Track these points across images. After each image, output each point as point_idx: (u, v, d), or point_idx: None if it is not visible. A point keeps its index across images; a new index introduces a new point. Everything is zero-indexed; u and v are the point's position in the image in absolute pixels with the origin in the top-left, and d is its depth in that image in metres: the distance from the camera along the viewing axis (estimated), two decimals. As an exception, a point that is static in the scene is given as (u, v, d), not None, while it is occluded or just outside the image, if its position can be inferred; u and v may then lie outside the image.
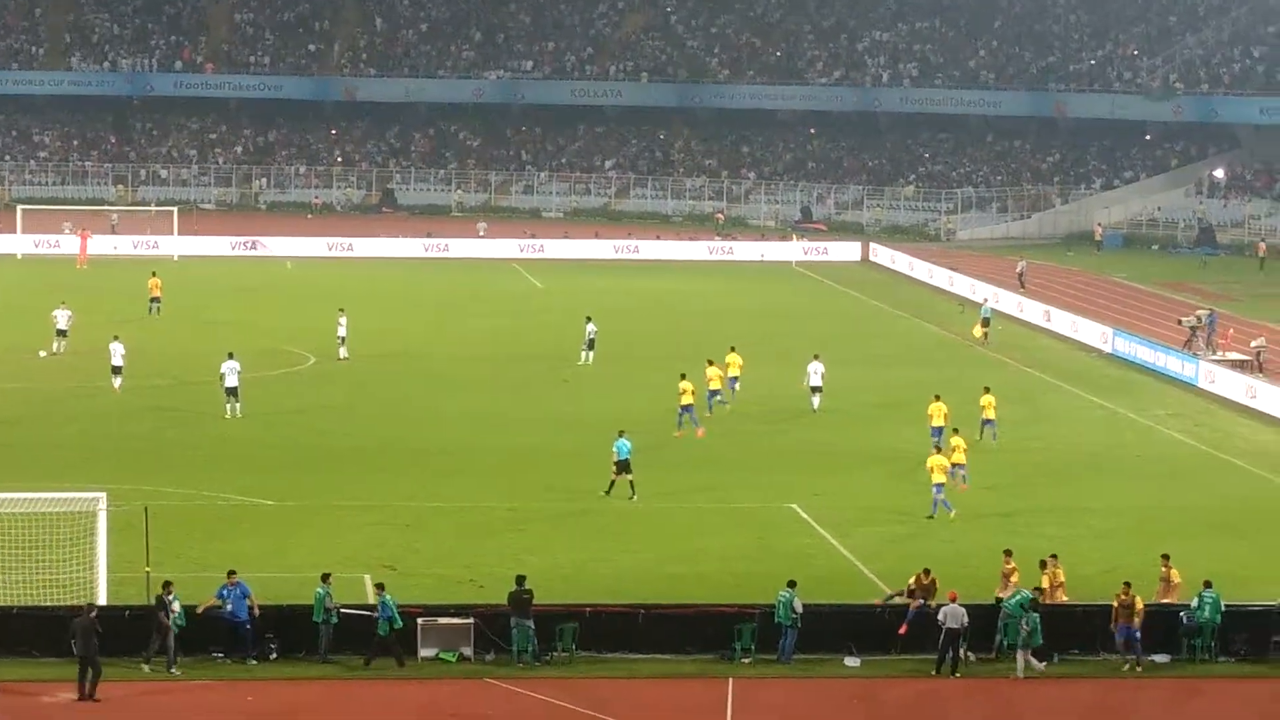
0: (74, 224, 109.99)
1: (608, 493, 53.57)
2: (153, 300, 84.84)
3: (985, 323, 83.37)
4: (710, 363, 67.00)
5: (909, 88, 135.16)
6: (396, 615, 38.68)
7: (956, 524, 50.29)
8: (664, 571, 44.74)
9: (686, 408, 63.09)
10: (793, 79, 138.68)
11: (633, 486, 53.41)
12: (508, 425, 62.93)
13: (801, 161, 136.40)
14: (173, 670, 37.39)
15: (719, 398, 65.86)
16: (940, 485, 53.01)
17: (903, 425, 62.46)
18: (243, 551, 46.03)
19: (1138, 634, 38.25)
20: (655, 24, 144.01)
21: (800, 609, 38.92)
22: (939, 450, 54.24)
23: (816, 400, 66.97)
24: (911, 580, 40.26)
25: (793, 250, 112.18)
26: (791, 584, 39.43)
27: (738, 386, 67.42)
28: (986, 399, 62.50)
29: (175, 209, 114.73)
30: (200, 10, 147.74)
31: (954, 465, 54.25)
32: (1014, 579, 40.78)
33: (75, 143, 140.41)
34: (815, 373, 67.45)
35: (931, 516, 51.63)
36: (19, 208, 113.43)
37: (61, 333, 74.69)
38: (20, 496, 43.90)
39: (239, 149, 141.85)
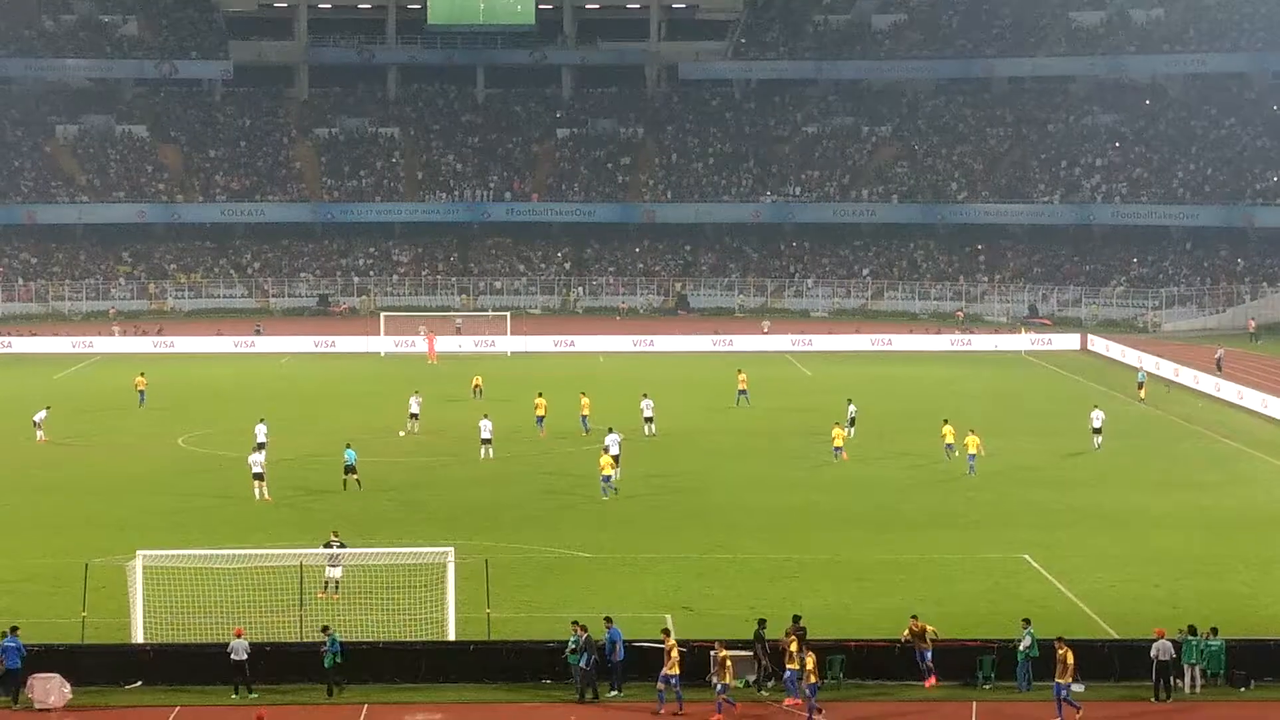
0: (427, 326, 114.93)
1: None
2: (475, 389, 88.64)
3: (1140, 385, 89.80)
4: (540, 394, 76.65)
5: (1119, 204, 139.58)
6: (340, 652, 39.08)
7: (1166, 571, 50.56)
8: (915, 611, 43.21)
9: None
10: (1019, 198, 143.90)
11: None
12: (780, 488, 65.14)
13: (1028, 267, 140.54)
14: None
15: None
16: (838, 449, 66.44)
17: (1123, 489, 64.47)
18: (562, 596, 47.87)
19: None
20: (902, 155, 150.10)
21: (1030, 644, 39.11)
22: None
23: (1097, 441, 72.13)
24: (905, 631, 40.62)
25: (1022, 341, 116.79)
26: (1026, 621, 40.09)
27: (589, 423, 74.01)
28: (946, 429, 68.87)
29: (508, 314, 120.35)
30: (529, 152, 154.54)
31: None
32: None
33: (426, 260, 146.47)
34: (1097, 418, 73.12)
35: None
36: (381, 314, 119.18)
37: (414, 416, 77.92)
38: (384, 551, 47.66)
39: (560, 264, 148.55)
